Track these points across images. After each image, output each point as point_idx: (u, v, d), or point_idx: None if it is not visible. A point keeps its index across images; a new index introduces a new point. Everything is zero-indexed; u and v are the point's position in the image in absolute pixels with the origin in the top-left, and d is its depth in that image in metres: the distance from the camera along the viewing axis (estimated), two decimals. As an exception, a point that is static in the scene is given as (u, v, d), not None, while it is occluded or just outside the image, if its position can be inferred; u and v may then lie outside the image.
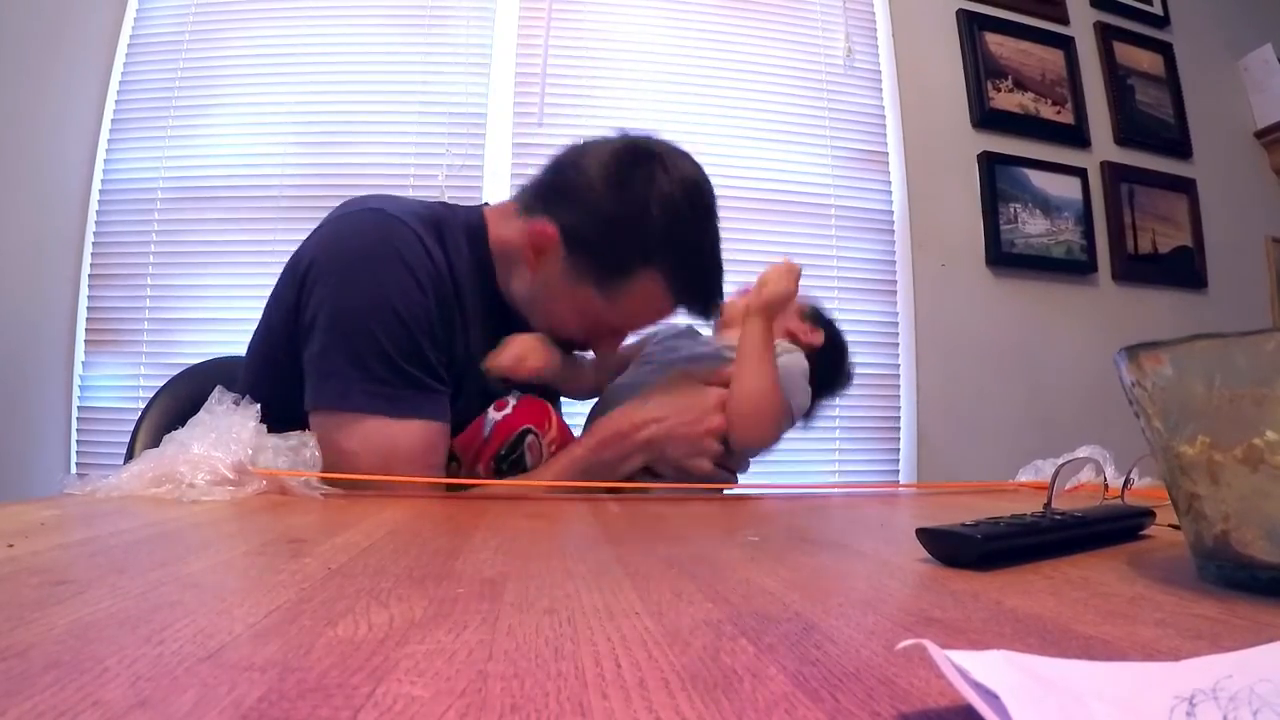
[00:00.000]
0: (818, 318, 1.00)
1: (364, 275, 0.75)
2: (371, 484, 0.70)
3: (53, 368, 1.70)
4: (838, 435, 1.90)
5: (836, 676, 0.19)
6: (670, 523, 0.53)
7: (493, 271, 0.86)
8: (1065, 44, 2.19)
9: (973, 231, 2.03)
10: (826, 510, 0.69)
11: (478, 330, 0.83)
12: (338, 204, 0.85)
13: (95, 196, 1.77)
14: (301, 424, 0.72)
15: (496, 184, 1.81)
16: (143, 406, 1.08)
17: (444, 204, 0.90)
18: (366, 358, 0.74)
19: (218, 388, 0.69)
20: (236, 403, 0.68)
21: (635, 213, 0.79)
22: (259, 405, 0.68)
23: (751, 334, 0.85)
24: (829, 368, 0.97)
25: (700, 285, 0.84)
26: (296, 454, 0.66)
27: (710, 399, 0.85)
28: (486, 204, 0.92)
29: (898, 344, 1.97)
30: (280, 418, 0.69)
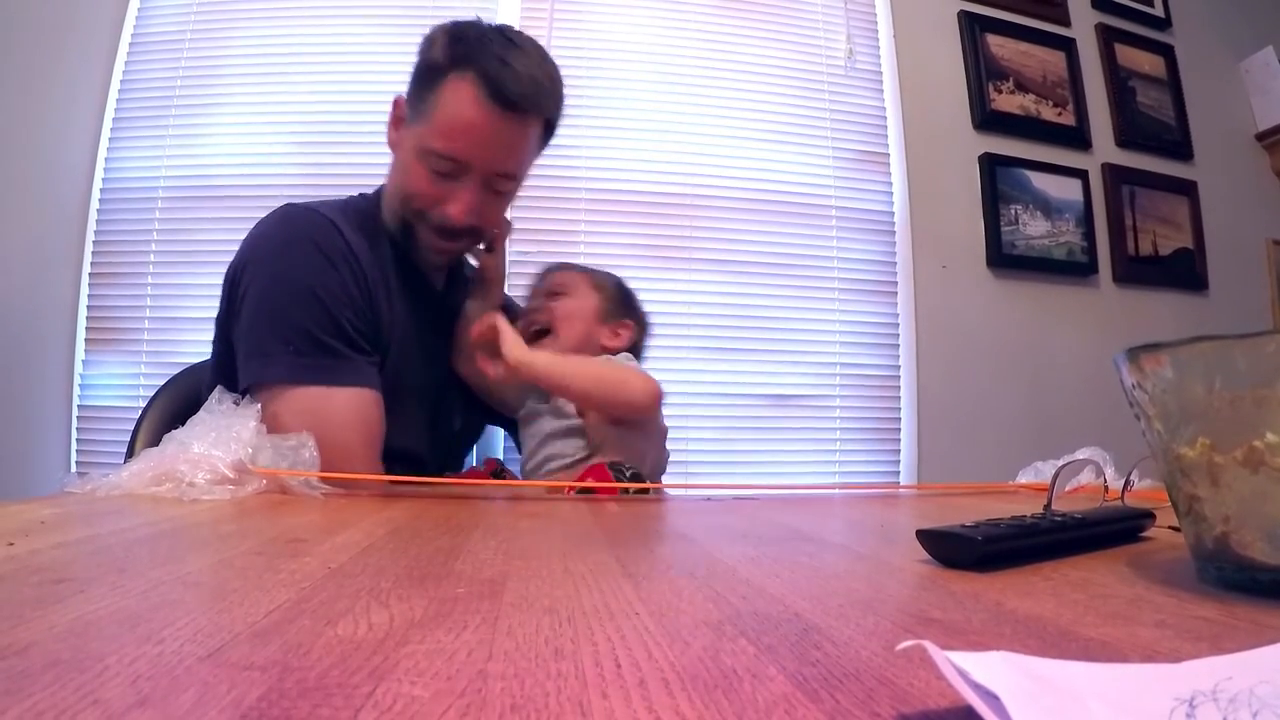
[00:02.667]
0: (616, 308, 1.02)
1: (279, 261, 0.82)
2: (369, 483, 0.70)
3: (53, 366, 1.70)
4: (838, 436, 1.90)
5: (836, 677, 0.19)
6: (670, 523, 0.53)
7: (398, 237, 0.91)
8: (1066, 46, 2.19)
9: (973, 233, 2.03)
10: (827, 510, 0.69)
11: (402, 302, 0.89)
12: None
13: (96, 196, 1.77)
14: None
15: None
16: (143, 405, 1.08)
17: (364, 195, 0.96)
18: (288, 334, 0.78)
19: (218, 387, 0.69)
20: (237, 403, 0.68)
21: (431, 42, 0.87)
22: (259, 405, 0.68)
23: (538, 370, 0.87)
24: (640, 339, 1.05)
25: (504, 69, 0.82)
26: (296, 454, 0.66)
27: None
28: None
29: (898, 345, 1.97)
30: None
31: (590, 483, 0.77)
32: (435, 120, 0.83)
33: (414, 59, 0.88)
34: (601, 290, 1.02)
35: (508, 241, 1.00)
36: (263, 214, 0.89)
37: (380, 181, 0.95)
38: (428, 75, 0.85)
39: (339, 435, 0.75)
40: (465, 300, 0.99)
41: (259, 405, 0.72)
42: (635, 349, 1.02)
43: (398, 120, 0.89)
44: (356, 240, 0.84)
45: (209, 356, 0.92)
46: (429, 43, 0.87)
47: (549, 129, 0.90)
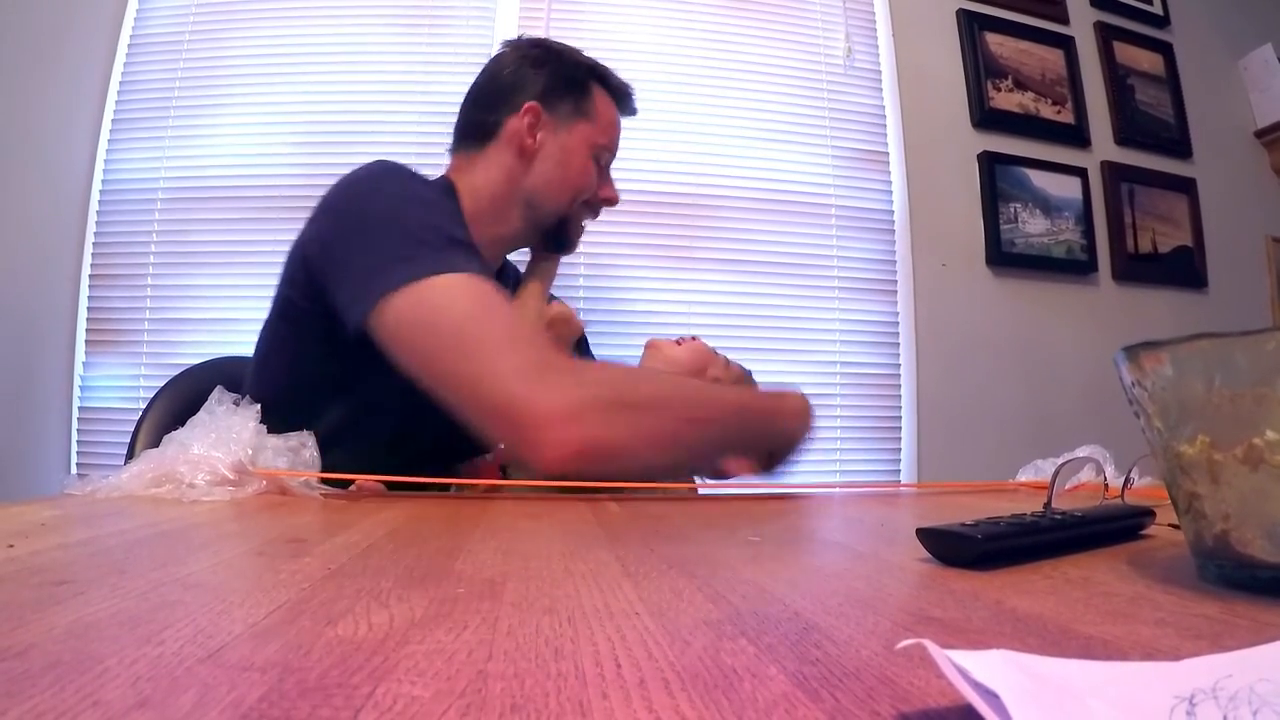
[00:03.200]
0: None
1: (383, 189, 0.82)
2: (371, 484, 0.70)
3: (53, 368, 1.70)
4: (838, 435, 1.90)
5: (836, 676, 0.19)
6: (670, 523, 0.53)
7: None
8: (1065, 44, 2.19)
9: (973, 231, 2.03)
10: (826, 510, 0.69)
11: None
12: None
13: (96, 197, 1.77)
14: (307, 421, 0.72)
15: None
16: (143, 407, 1.08)
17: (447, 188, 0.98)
18: (424, 234, 0.75)
19: (218, 388, 0.69)
20: (237, 403, 0.68)
21: (558, 53, 0.99)
22: (259, 405, 0.68)
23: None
24: None
25: (622, 85, 1.03)
26: (296, 454, 0.66)
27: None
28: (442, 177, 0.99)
29: (898, 344, 1.97)
30: (288, 415, 0.69)
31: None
32: (599, 121, 0.98)
33: (527, 71, 0.97)
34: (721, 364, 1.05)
35: None
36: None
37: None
38: (574, 85, 0.97)
39: (503, 321, 0.70)
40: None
41: (391, 313, 0.68)
42: None
43: (533, 127, 0.95)
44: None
45: (259, 335, 0.90)
46: (556, 56, 0.99)
47: None
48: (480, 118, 0.97)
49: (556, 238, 1.00)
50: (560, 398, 0.65)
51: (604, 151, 0.99)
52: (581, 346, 1.12)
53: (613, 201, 1.02)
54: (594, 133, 0.97)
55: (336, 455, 0.69)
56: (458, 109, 1.01)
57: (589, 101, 0.97)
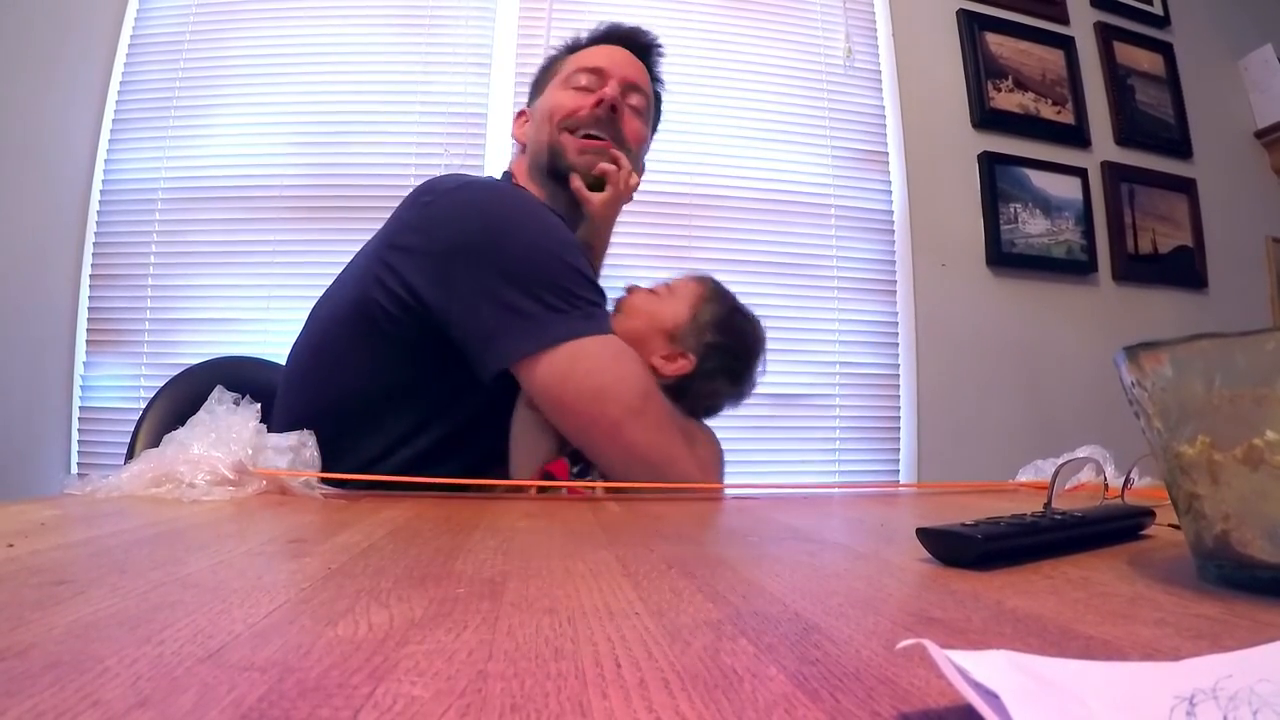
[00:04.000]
0: (692, 338, 0.93)
1: (522, 227, 0.79)
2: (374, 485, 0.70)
3: (54, 368, 1.70)
4: (838, 435, 1.90)
5: (836, 676, 0.19)
6: (670, 523, 0.53)
7: None
8: (1065, 44, 2.19)
9: (973, 231, 2.03)
10: (827, 510, 0.69)
11: None
12: (362, 200, 0.93)
13: (96, 197, 1.77)
14: (376, 425, 0.76)
15: (497, 184, 1.81)
16: (143, 407, 1.08)
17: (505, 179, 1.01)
18: (561, 286, 0.76)
19: (218, 387, 0.69)
20: (236, 402, 0.68)
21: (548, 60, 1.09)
22: (259, 405, 0.68)
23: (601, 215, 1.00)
24: (710, 376, 0.94)
25: (606, 27, 1.08)
26: (296, 454, 0.66)
27: None
28: (507, 173, 1.02)
29: (898, 344, 1.97)
30: (354, 421, 0.72)
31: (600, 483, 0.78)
32: (566, 68, 0.99)
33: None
34: (696, 311, 0.94)
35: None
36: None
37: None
38: (545, 71, 1.04)
39: (642, 373, 0.78)
40: None
41: (545, 369, 0.72)
42: (682, 389, 0.91)
43: (522, 122, 1.03)
44: None
45: (312, 327, 0.89)
46: (543, 68, 1.06)
47: (656, 101, 1.09)
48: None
49: (557, 170, 0.95)
50: (671, 444, 0.79)
51: (577, 74, 0.98)
52: None
53: (607, 99, 0.94)
54: (561, 79, 0.99)
55: (402, 456, 0.75)
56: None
57: (555, 69, 1.02)
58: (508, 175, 1.01)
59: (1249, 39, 2.35)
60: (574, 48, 1.04)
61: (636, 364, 0.79)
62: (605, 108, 0.95)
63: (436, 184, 0.85)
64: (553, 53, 1.07)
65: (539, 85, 1.04)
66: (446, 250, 0.77)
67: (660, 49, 1.08)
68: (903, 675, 0.19)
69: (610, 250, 1.86)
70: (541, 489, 0.78)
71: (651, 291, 0.99)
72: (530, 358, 0.74)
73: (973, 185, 2.05)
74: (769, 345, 1.92)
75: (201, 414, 0.66)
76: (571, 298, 0.76)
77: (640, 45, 1.05)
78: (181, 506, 0.53)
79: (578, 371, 0.74)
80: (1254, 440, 0.28)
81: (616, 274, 1.85)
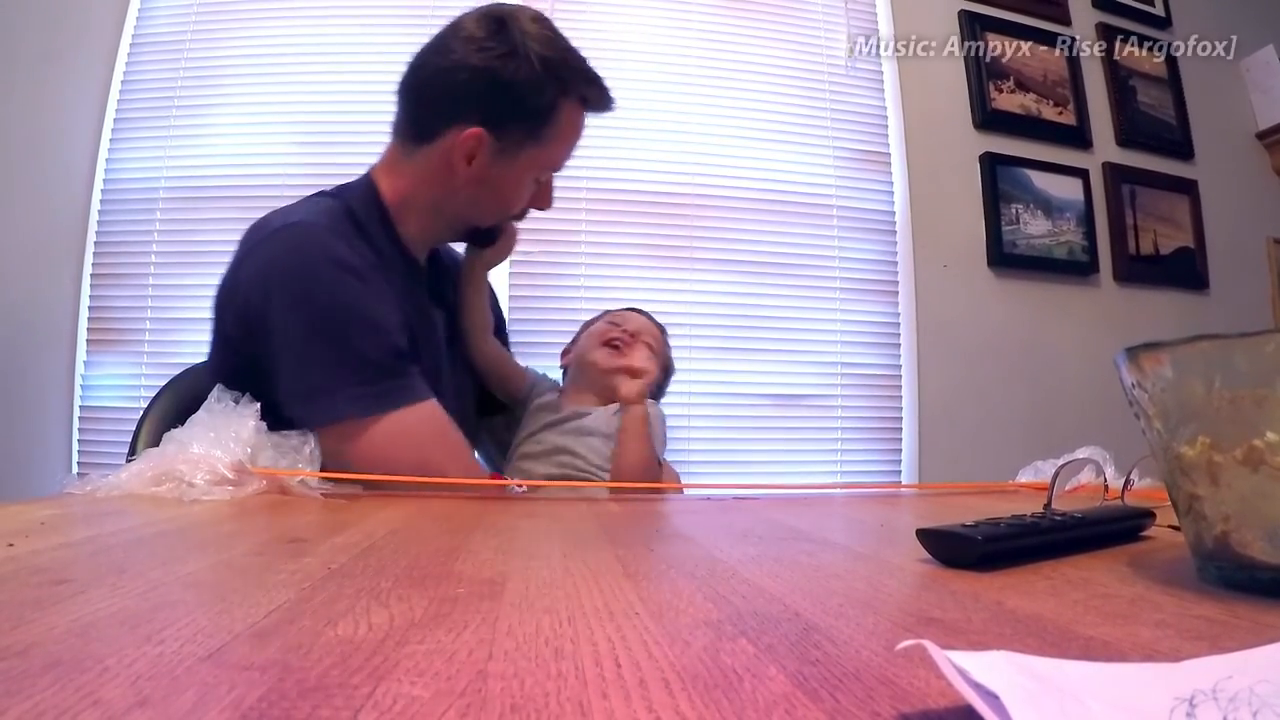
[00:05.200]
0: (658, 390, 1.09)
1: (313, 290, 0.77)
2: (385, 484, 0.70)
3: (55, 367, 1.70)
4: (839, 435, 1.90)
5: (836, 676, 0.19)
6: (670, 523, 0.53)
7: (395, 230, 0.89)
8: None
9: (974, 232, 2.03)
10: (827, 510, 0.69)
11: (405, 294, 0.87)
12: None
13: (97, 196, 1.77)
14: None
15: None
16: (144, 406, 1.08)
17: (338, 187, 0.92)
18: (348, 364, 0.75)
19: (218, 386, 0.69)
20: (236, 401, 0.68)
21: (533, 64, 0.83)
22: (259, 405, 0.68)
23: (635, 416, 0.95)
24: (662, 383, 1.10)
25: (600, 86, 0.90)
26: (297, 454, 0.66)
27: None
28: (372, 167, 0.93)
29: (899, 344, 1.97)
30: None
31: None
32: (553, 144, 0.89)
33: (482, 84, 0.83)
34: (664, 364, 1.07)
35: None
36: (264, 213, 0.88)
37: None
38: (536, 113, 0.85)
39: (429, 456, 0.75)
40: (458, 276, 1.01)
41: (332, 441, 0.71)
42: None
43: (473, 152, 0.85)
44: (361, 248, 0.82)
45: (207, 360, 0.88)
46: (524, 66, 0.83)
47: None
48: (419, 114, 0.88)
49: (480, 241, 0.97)
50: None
51: (549, 171, 0.92)
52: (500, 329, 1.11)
53: (545, 208, 0.96)
54: (544, 156, 0.89)
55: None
56: (402, 75, 0.90)
57: (548, 126, 0.86)
58: (371, 186, 0.90)
59: (1251, 40, 2.34)
60: (583, 95, 0.89)
61: (450, 431, 0.79)
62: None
63: (251, 234, 0.84)
64: (557, 80, 0.86)
65: (524, 128, 0.86)
66: (254, 315, 0.78)
67: None
68: (903, 675, 0.19)
69: (611, 251, 1.86)
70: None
71: (613, 347, 1.01)
72: (330, 427, 0.73)
73: (974, 186, 2.05)
74: (769, 346, 1.92)
75: (201, 413, 0.66)
76: (380, 372, 0.76)
77: None
78: (181, 506, 0.53)
79: (385, 445, 0.73)
80: (1254, 441, 0.28)
81: (617, 274, 1.86)
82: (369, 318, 0.77)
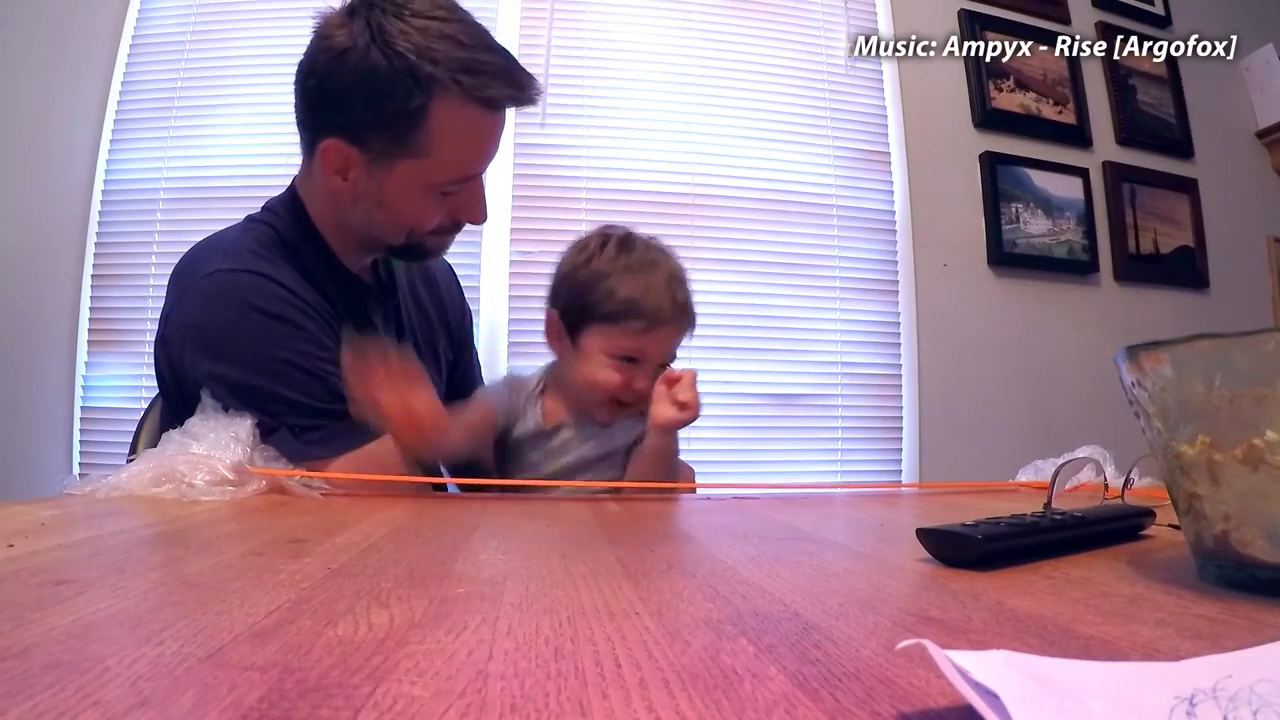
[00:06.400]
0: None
1: (238, 348, 0.73)
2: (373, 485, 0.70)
3: (55, 368, 1.70)
4: (839, 435, 1.90)
5: (836, 676, 0.19)
6: (670, 523, 0.53)
7: (329, 247, 0.84)
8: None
9: (974, 231, 2.03)
10: (827, 510, 0.69)
11: (345, 313, 0.82)
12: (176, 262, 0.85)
13: (98, 197, 1.77)
14: None
15: (497, 184, 1.81)
16: (145, 407, 1.08)
17: (267, 206, 0.87)
18: (281, 414, 0.71)
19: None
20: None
21: (385, 60, 0.71)
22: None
23: (665, 443, 0.88)
24: None
25: (501, 76, 0.75)
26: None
27: None
28: (294, 178, 0.88)
29: (899, 344, 1.97)
30: None
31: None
32: (436, 154, 0.75)
33: (336, 86, 0.75)
34: None
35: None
36: (193, 246, 0.85)
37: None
38: (396, 118, 0.73)
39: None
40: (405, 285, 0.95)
41: None
42: None
43: (344, 168, 0.78)
44: (289, 278, 0.77)
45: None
46: (358, 57, 0.72)
47: None
48: (297, 124, 0.82)
49: (407, 258, 0.89)
50: None
51: (449, 185, 0.78)
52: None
53: (476, 222, 0.85)
54: (426, 170, 0.76)
55: None
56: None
57: (418, 132, 0.74)
58: (296, 201, 0.85)
59: (1251, 39, 2.34)
60: (436, 91, 0.73)
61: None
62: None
63: (179, 278, 0.82)
64: (425, 76, 0.72)
65: (386, 137, 0.75)
66: (184, 370, 0.76)
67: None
68: (903, 675, 0.19)
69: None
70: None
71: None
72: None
73: (974, 185, 2.05)
74: (769, 346, 1.92)
75: (199, 414, 0.66)
76: (317, 417, 0.72)
77: (513, 101, 0.81)
78: (181, 506, 0.53)
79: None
80: (1254, 440, 0.28)
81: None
82: (297, 363, 0.73)
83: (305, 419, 0.72)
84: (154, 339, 0.83)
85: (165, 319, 0.81)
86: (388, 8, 0.73)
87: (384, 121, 0.74)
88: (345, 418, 0.72)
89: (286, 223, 0.83)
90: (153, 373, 0.90)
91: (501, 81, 0.75)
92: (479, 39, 0.76)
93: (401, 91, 0.72)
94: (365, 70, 0.72)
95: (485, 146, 0.79)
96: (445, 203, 0.80)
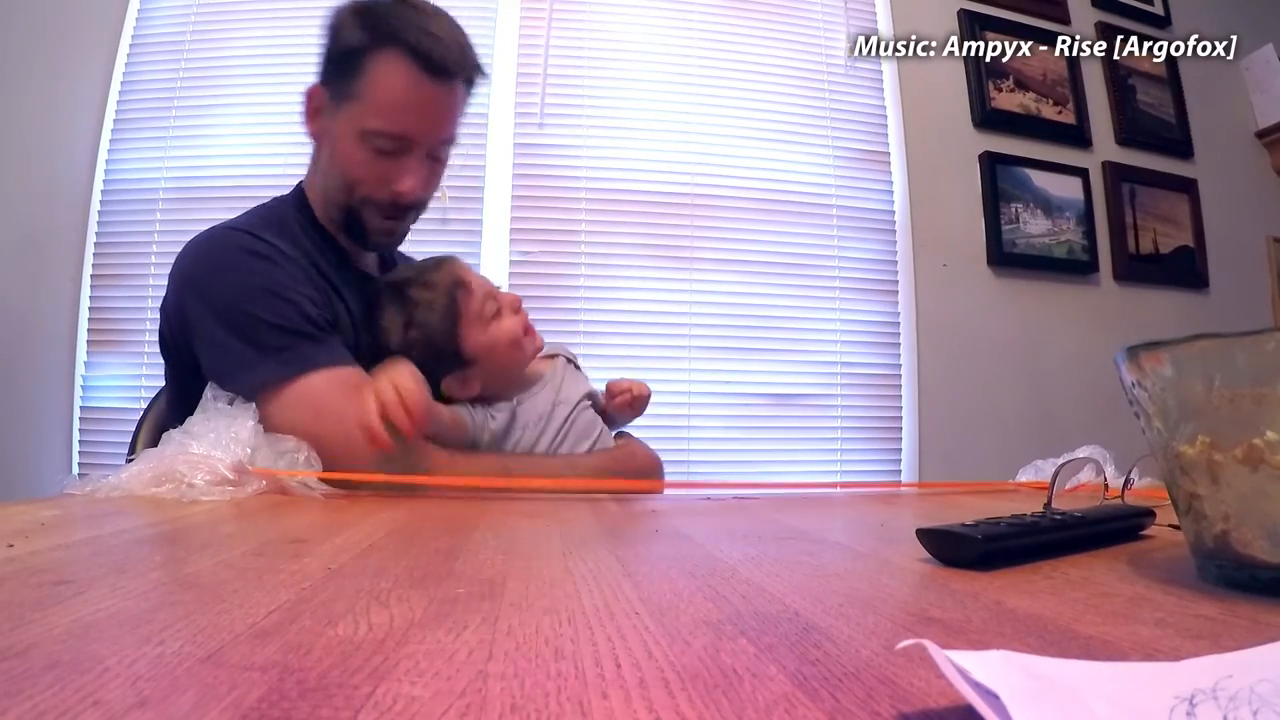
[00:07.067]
0: None
1: (221, 277, 0.79)
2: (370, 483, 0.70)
3: (55, 368, 1.70)
4: (839, 435, 1.91)
5: (836, 676, 0.19)
6: (670, 523, 0.53)
7: (332, 237, 0.89)
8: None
9: (974, 231, 2.03)
10: (827, 510, 0.69)
11: (351, 299, 0.87)
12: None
13: (97, 196, 1.77)
14: None
15: (497, 184, 1.81)
16: (144, 407, 1.08)
17: (277, 199, 0.93)
18: (260, 336, 0.75)
19: (209, 385, 0.70)
20: (231, 401, 0.68)
21: (340, 24, 0.83)
22: (260, 413, 0.69)
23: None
24: None
25: (442, 43, 0.82)
26: (295, 455, 0.66)
27: None
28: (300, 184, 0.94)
29: (899, 344, 1.97)
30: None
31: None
32: (370, 99, 0.82)
33: (322, 45, 0.85)
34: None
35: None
36: None
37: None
38: (349, 57, 0.82)
39: (338, 424, 0.73)
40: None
41: (260, 413, 0.71)
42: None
43: (315, 111, 0.86)
44: (283, 244, 0.82)
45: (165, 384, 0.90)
46: (338, 26, 0.84)
47: (470, 88, 0.90)
48: None
49: (350, 232, 0.90)
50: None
51: (377, 137, 0.82)
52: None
53: (402, 196, 0.85)
54: (361, 114, 0.82)
55: None
56: None
57: (359, 78, 0.81)
58: (299, 187, 0.92)
59: (1250, 39, 2.34)
60: (410, 47, 0.80)
61: (355, 392, 0.75)
62: (406, 203, 0.87)
63: (182, 252, 0.86)
64: (354, 37, 0.82)
65: (341, 75, 0.84)
66: (176, 318, 0.83)
67: (479, 63, 0.89)
68: (903, 675, 0.19)
69: (611, 250, 1.86)
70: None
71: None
72: (258, 391, 0.74)
73: (974, 185, 2.05)
74: (769, 345, 1.92)
75: (198, 414, 0.66)
76: (290, 337, 0.76)
77: (460, 73, 0.85)
78: (181, 506, 0.53)
79: (294, 409, 0.73)
80: (1254, 440, 0.28)
81: (617, 274, 1.86)
82: (275, 291, 0.77)
83: (279, 338, 0.76)
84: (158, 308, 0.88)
85: (168, 285, 0.85)
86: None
87: (335, 59, 0.84)
88: (315, 339, 0.77)
89: (285, 204, 0.90)
90: (152, 373, 0.92)
91: (443, 49, 0.82)
92: (445, 19, 0.85)
93: (351, 34, 0.82)
94: (338, 18, 0.84)
95: (418, 107, 0.83)
96: (379, 162, 0.84)
